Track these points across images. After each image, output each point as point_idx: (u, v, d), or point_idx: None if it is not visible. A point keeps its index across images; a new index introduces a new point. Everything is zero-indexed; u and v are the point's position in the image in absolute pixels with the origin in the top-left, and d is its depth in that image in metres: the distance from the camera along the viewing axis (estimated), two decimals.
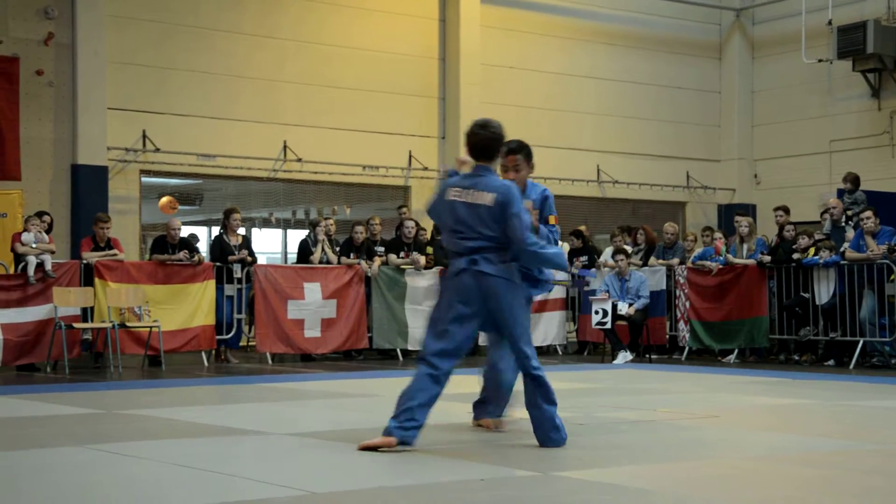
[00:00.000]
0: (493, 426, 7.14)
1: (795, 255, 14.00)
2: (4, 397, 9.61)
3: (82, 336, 13.04)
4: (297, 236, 16.82)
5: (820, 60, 19.18)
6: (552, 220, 7.23)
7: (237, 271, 13.98)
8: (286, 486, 5.18)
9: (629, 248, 15.62)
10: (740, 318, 14.47)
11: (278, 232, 19.66)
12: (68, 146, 15.18)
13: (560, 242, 7.97)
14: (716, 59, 21.11)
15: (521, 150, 7.02)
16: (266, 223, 19.22)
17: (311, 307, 14.11)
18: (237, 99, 16.55)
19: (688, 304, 14.93)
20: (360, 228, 14.84)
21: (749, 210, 19.24)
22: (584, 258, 15.91)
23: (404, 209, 16.22)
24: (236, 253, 14.02)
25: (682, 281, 15.03)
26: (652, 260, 15.52)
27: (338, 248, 14.79)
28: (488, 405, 7.16)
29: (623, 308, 14.39)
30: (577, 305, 16.18)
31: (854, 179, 15.45)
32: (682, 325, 15.03)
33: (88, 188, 15.09)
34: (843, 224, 14.66)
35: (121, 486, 5.35)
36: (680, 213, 20.57)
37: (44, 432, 7.36)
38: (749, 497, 5.14)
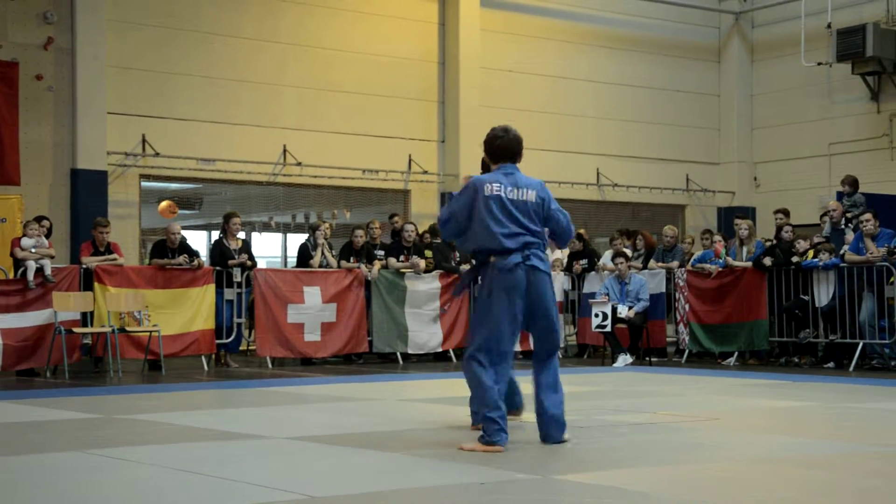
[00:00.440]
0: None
1: (795, 258, 14.00)
2: (4, 402, 9.60)
3: (82, 341, 13.04)
4: (296, 240, 16.82)
5: (819, 63, 19.20)
6: None
7: (237, 275, 13.98)
8: (286, 490, 5.19)
9: (629, 252, 15.63)
10: (740, 321, 14.47)
11: (278, 236, 19.64)
12: (68, 151, 15.19)
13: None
14: (715, 62, 21.13)
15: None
16: (266, 227, 19.21)
17: (311, 311, 14.11)
18: (237, 103, 16.56)
19: (687, 306, 14.93)
20: (359, 232, 14.84)
21: (748, 213, 19.27)
22: (583, 261, 15.93)
23: (396, 218, 16.18)
24: (236, 257, 14.01)
25: (681, 284, 15.03)
26: (651, 263, 15.52)
27: (334, 253, 14.78)
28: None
29: (623, 311, 14.38)
30: (576, 308, 16.18)
31: (852, 182, 15.46)
32: (681, 327, 15.03)
33: (88, 193, 15.10)
34: (843, 226, 14.67)
35: (121, 490, 5.35)
36: (679, 216, 20.57)
37: (43, 437, 7.36)
38: (749, 499, 5.14)
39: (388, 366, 14.27)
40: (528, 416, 7.63)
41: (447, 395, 9.81)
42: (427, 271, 14.86)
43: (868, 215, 13.49)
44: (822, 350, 14.16)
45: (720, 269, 14.66)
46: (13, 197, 14.22)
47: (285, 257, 19.00)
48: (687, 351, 15.02)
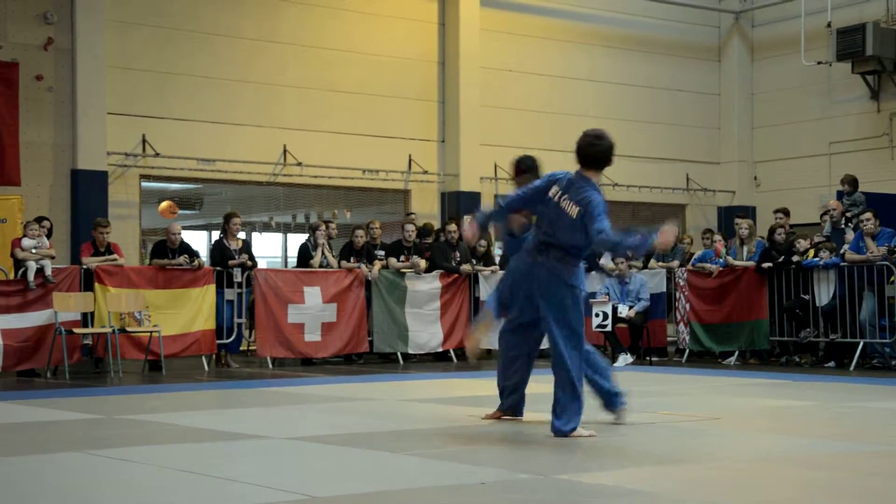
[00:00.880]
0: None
1: (795, 258, 14.00)
2: (5, 403, 9.60)
3: (82, 341, 13.04)
4: (297, 240, 16.82)
5: (819, 63, 19.20)
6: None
7: (237, 275, 13.98)
8: (287, 491, 5.18)
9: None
10: (740, 321, 14.47)
11: (278, 236, 19.65)
12: (68, 151, 15.19)
13: None
14: (715, 61, 21.12)
15: (531, 171, 8.26)
16: (266, 227, 19.22)
17: (312, 311, 14.10)
18: (237, 103, 16.55)
19: (688, 306, 14.93)
20: (360, 232, 14.84)
21: (749, 212, 19.26)
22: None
23: (413, 215, 16.24)
24: (236, 257, 14.01)
25: (682, 283, 15.03)
26: (652, 262, 15.52)
27: (334, 253, 14.78)
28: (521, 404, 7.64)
29: (623, 311, 14.39)
30: None
31: (852, 181, 15.46)
32: (682, 327, 15.03)
33: (88, 193, 15.10)
34: (843, 226, 14.67)
35: (121, 491, 5.35)
36: (680, 215, 20.56)
37: (44, 438, 7.36)
38: (750, 499, 5.14)
39: (388, 366, 14.27)
40: (528, 416, 7.65)
41: (447, 395, 9.80)
42: (427, 271, 14.86)
43: (868, 214, 13.49)
44: (823, 349, 14.15)
45: (721, 269, 14.66)
46: (13, 197, 14.21)
47: (285, 257, 19.01)
48: (687, 350, 15.02)
